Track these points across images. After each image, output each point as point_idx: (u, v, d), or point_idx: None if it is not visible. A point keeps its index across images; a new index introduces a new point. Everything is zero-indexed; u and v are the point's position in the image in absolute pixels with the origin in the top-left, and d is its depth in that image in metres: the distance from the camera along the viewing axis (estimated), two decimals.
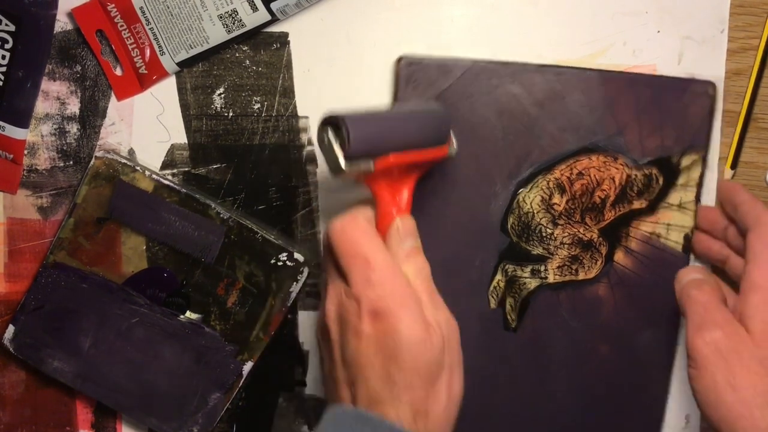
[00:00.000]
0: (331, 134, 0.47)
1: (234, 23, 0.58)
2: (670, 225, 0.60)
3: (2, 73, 0.58)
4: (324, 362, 0.51)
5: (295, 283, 0.59)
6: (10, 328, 0.60)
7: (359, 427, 0.44)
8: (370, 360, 0.46)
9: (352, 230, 0.48)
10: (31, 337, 0.60)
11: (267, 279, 0.59)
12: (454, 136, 0.54)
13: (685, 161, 0.59)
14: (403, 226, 0.50)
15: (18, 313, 0.60)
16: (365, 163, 0.47)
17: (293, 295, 0.59)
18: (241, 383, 0.60)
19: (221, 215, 0.59)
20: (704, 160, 0.59)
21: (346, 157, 0.46)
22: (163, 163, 0.61)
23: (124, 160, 0.59)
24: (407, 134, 0.49)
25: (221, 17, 0.58)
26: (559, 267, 0.60)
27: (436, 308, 0.48)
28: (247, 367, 0.60)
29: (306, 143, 0.61)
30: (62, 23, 0.59)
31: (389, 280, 0.47)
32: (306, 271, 0.59)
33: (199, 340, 0.60)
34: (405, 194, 0.51)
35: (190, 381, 0.60)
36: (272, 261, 0.59)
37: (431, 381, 0.46)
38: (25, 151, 0.60)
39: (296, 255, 0.59)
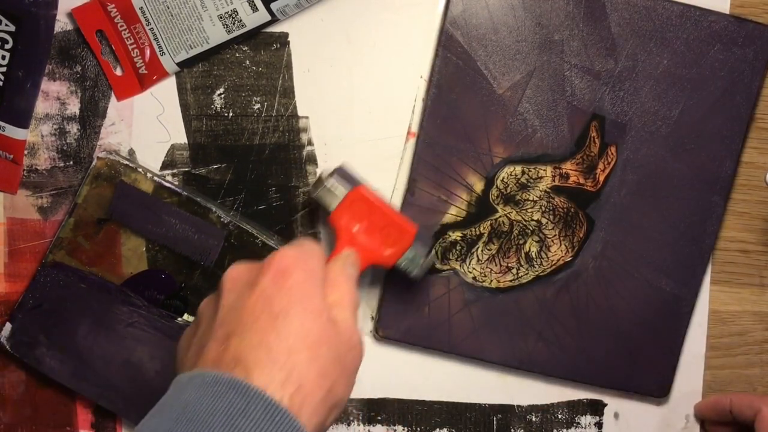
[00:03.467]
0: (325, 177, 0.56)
1: (234, 23, 0.58)
2: None
3: (2, 73, 0.58)
4: (193, 329, 0.46)
5: None
6: (7, 326, 0.60)
7: (228, 394, 0.39)
8: (257, 314, 0.42)
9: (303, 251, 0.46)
10: (28, 336, 0.60)
11: None
12: (425, 256, 0.56)
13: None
14: (353, 255, 0.53)
15: (16, 311, 0.60)
16: (341, 188, 0.55)
17: None
18: None
19: (222, 219, 0.58)
20: None
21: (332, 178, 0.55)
22: (163, 163, 0.61)
23: (125, 161, 0.59)
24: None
25: (221, 17, 0.58)
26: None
27: (351, 322, 0.46)
28: None
29: (306, 143, 0.61)
30: (62, 23, 0.59)
31: (311, 263, 0.45)
32: None
33: None
34: (360, 237, 0.54)
35: None
36: None
37: (316, 359, 0.42)
38: (25, 151, 0.60)
39: None
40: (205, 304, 0.47)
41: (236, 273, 0.46)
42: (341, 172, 0.56)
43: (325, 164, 0.61)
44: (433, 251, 0.57)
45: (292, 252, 0.45)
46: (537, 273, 0.61)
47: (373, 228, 0.55)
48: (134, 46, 0.59)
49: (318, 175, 0.56)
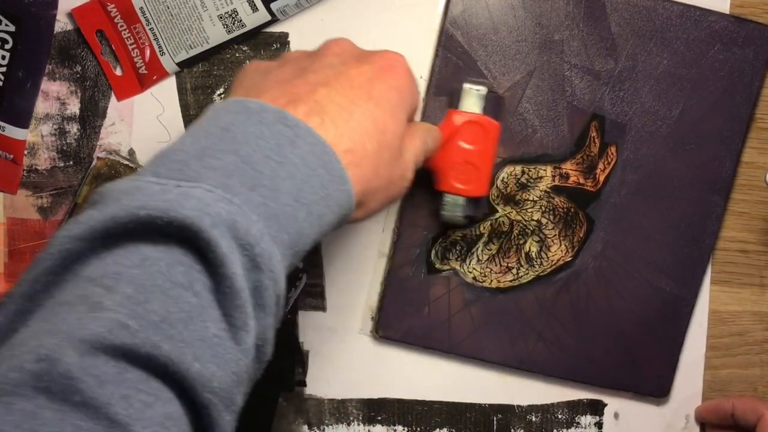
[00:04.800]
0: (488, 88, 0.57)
1: (234, 23, 0.58)
2: None
3: (2, 73, 0.58)
4: (272, 66, 0.45)
5: (293, 289, 0.59)
6: None
7: (277, 125, 0.38)
8: (355, 85, 0.42)
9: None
10: None
11: None
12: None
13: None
14: (439, 135, 0.52)
15: None
16: (484, 108, 0.56)
17: (291, 301, 0.59)
18: None
19: None
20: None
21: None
22: None
23: (125, 161, 0.59)
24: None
25: (221, 17, 0.58)
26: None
27: (410, 162, 0.46)
28: None
29: None
30: (62, 23, 0.59)
31: (414, 88, 0.46)
32: (304, 277, 0.59)
33: None
34: (454, 145, 0.55)
35: None
36: None
37: (378, 155, 0.42)
38: (25, 151, 0.60)
39: None
40: (298, 52, 0.46)
41: (346, 44, 0.46)
42: (498, 100, 0.58)
43: None
44: (471, 219, 0.57)
45: (405, 64, 0.46)
46: (537, 273, 0.61)
47: (465, 154, 0.55)
48: (134, 46, 0.59)
49: (481, 80, 0.58)
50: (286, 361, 0.63)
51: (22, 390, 0.30)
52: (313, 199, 0.38)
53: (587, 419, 0.64)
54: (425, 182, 0.55)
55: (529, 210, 0.60)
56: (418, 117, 0.60)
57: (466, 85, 0.56)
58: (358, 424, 0.63)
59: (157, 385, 0.33)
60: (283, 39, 0.60)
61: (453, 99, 0.57)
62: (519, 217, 0.60)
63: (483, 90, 0.56)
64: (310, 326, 0.62)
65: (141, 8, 0.58)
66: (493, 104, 0.57)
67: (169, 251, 0.34)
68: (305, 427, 0.63)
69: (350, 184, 0.40)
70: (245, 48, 0.60)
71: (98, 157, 0.59)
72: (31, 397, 0.30)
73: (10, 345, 0.32)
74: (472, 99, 0.56)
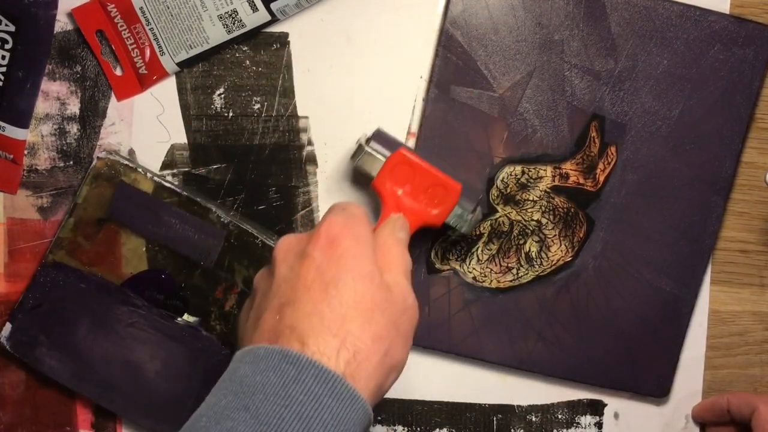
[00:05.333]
0: (365, 142, 0.55)
1: (234, 23, 0.58)
2: None
3: (2, 73, 0.58)
4: (250, 302, 0.48)
5: None
6: (7, 326, 0.60)
7: (281, 365, 0.40)
8: (309, 284, 0.43)
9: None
10: (28, 336, 0.60)
11: None
12: (477, 212, 0.56)
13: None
14: (401, 219, 0.52)
15: (16, 311, 0.60)
16: (382, 153, 0.54)
17: None
18: None
19: (221, 219, 0.58)
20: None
21: (368, 144, 0.55)
22: (163, 163, 0.61)
23: (125, 161, 0.59)
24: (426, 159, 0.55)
25: (221, 17, 0.58)
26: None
27: (404, 285, 0.46)
28: None
29: (306, 143, 0.61)
30: (62, 23, 0.59)
31: (359, 229, 0.46)
32: None
33: (195, 343, 0.60)
34: (406, 201, 0.54)
35: (186, 384, 0.60)
36: None
37: (370, 324, 0.43)
38: (25, 151, 0.60)
39: None
40: (259, 276, 0.48)
41: (286, 245, 0.47)
42: (379, 137, 0.55)
43: (325, 164, 0.61)
44: (479, 207, 0.56)
45: (339, 219, 0.46)
46: (537, 273, 0.61)
47: (417, 189, 0.54)
48: (134, 46, 0.59)
49: (357, 141, 0.56)
50: None
51: None
52: (325, 430, 0.39)
53: (587, 419, 0.64)
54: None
55: (529, 210, 0.60)
56: (416, 118, 0.60)
57: (358, 161, 0.55)
58: None
59: None
60: (283, 39, 0.60)
61: (363, 176, 0.55)
62: (519, 217, 0.60)
63: (371, 146, 0.54)
64: None
65: (141, 8, 0.58)
66: (378, 139, 0.55)
67: None
68: None
69: (360, 397, 0.41)
70: (245, 48, 0.60)
71: (98, 157, 0.59)
72: None
73: None
74: (371, 160, 0.54)
